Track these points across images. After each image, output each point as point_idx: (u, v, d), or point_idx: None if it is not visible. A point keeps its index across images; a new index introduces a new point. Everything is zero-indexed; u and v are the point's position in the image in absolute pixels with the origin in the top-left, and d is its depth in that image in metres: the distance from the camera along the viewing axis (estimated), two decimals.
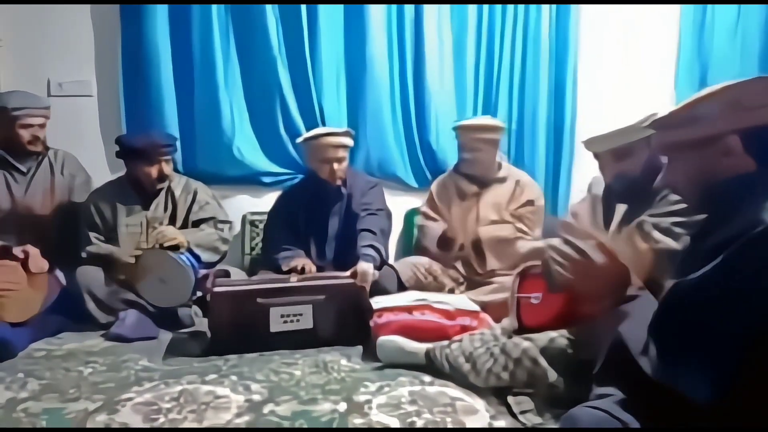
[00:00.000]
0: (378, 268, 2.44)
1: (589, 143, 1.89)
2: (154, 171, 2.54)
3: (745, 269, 0.79)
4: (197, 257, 2.44)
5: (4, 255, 2.29)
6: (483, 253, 2.55)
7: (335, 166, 2.58)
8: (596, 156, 1.89)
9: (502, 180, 2.65)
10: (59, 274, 2.38)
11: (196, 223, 2.64)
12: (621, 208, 1.80)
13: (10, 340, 2.05)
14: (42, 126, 2.53)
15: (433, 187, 2.82)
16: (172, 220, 2.61)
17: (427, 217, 2.74)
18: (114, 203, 2.56)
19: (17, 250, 2.30)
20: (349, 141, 2.65)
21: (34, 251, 2.30)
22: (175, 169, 2.83)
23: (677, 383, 0.82)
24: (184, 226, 2.62)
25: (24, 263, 2.26)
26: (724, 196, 0.96)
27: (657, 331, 0.86)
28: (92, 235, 2.53)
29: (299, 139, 2.76)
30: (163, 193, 2.63)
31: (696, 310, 0.82)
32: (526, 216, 2.59)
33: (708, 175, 1.00)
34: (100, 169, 2.90)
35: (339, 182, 2.65)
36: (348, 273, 2.30)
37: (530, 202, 2.62)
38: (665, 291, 0.87)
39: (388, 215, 2.75)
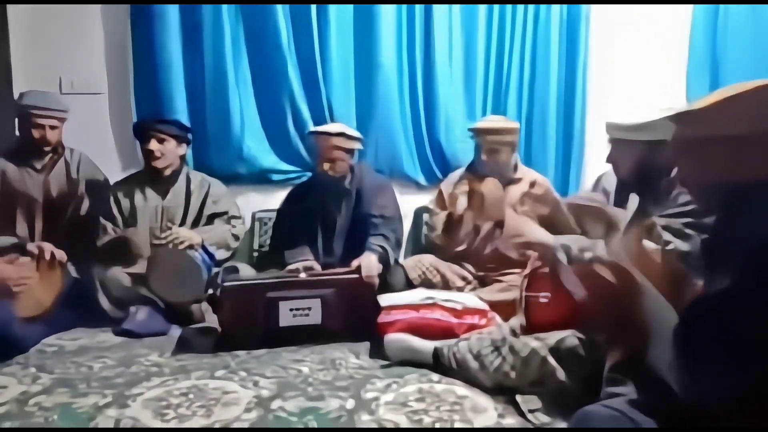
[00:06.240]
0: (385, 266, 2.44)
1: (612, 129, 1.84)
2: (152, 145, 2.54)
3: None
4: (211, 255, 2.46)
5: (19, 252, 2.31)
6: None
7: (326, 165, 2.57)
8: (614, 143, 1.86)
9: (518, 181, 2.64)
10: (71, 269, 2.40)
11: (210, 218, 2.67)
12: (634, 200, 1.79)
13: (22, 335, 2.07)
14: (55, 127, 2.55)
15: (443, 185, 2.81)
16: (185, 211, 2.63)
17: (433, 214, 2.73)
18: (132, 193, 2.60)
19: (32, 246, 2.32)
20: (344, 142, 2.60)
21: (48, 247, 2.32)
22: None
23: (703, 399, 0.81)
24: (197, 219, 2.65)
25: (38, 259, 2.29)
26: (739, 200, 0.93)
27: (679, 347, 0.85)
28: (109, 225, 2.55)
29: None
30: (180, 182, 2.66)
31: (719, 326, 0.81)
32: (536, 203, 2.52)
33: (725, 177, 0.96)
34: (112, 166, 2.92)
35: (347, 178, 2.65)
36: (353, 265, 2.30)
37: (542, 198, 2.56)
38: (686, 306, 0.86)
39: (400, 220, 2.74)
